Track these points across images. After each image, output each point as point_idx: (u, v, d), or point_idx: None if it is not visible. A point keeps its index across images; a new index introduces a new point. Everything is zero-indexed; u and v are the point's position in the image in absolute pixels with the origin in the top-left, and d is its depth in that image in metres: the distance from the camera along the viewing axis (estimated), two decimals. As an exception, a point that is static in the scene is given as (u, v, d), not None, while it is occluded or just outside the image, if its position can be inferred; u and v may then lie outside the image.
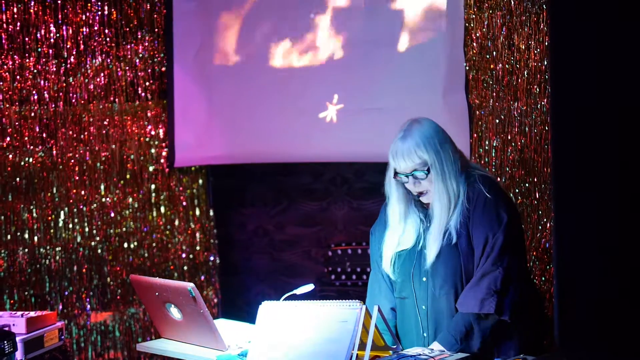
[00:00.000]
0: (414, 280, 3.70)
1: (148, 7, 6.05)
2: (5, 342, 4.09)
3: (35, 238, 5.69)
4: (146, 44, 6.06)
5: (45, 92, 5.71)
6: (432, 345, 3.57)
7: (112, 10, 5.91)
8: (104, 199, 5.92)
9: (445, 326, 3.60)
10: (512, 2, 4.91)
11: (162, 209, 6.15)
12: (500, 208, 3.58)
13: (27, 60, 5.64)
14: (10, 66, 5.59)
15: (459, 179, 3.61)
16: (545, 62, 4.64)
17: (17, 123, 5.62)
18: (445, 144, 3.62)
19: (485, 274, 3.53)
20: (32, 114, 5.68)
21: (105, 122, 5.93)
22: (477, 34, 5.24)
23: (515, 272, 3.55)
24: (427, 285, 3.67)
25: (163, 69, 6.10)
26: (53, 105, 5.74)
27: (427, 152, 3.57)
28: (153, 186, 6.11)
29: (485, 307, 3.49)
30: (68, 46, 5.77)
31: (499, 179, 5.03)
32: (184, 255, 6.20)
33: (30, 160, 5.68)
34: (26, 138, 5.67)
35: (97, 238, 5.90)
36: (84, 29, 5.82)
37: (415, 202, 3.72)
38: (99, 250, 5.91)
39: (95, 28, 5.86)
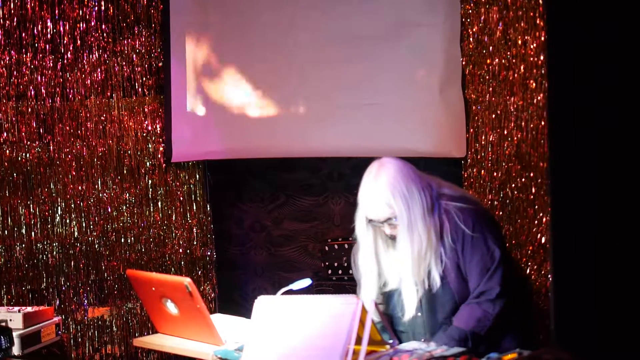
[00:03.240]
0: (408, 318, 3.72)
1: (145, 2, 6.04)
2: (2, 337, 4.11)
3: (33, 233, 5.69)
4: (143, 39, 6.05)
5: (42, 88, 5.71)
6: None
7: (109, 5, 5.90)
8: (101, 194, 5.92)
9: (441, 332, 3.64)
10: (509, -3, 4.92)
11: (159, 204, 6.15)
12: (489, 242, 3.62)
13: (24, 56, 5.64)
14: (7, 61, 5.59)
15: (430, 220, 3.60)
16: (542, 57, 4.64)
17: (14, 118, 5.62)
18: (412, 186, 3.60)
19: (487, 300, 3.59)
20: (29, 110, 5.68)
21: (102, 118, 5.93)
22: (474, 29, 5.25)
23: (511, 296, 3.61)
24: (424, 321, 3.70)
25: (160, 64, 6.10)
26: (50, 101, 5.74)
27: (395, 203, 3.56)
28: (150, 181, 6.11)
29: (478, 327, 3.58)
30: (65, 41, 5.77)
31: (496, 173, 5.03)
32: (181, 251, 6.20)
33: (28, 155, 5.68)
34: (23, 133, 5.66)
35: (95, 233, 5.90)
36: (81, 25, 5.82)
37: (389, 240, 3.72)
38: (96, 246, 5.91)
39: (92, 23, 5.86)
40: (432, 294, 3.64)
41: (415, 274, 3.61)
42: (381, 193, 3.58)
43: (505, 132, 4.98)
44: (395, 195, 3.57)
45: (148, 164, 6.10)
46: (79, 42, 5.81)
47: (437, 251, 3.60)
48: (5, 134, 5.60)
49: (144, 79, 6.07)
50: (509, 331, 3.64)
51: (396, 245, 3.65)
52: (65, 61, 5.77)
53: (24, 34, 5.63)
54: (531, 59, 4.75)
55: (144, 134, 6.09)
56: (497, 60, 5.04)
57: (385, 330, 3.59)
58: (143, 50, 6.05)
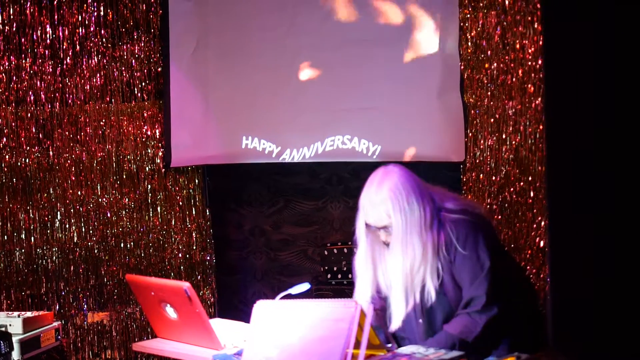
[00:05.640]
0: (409, 322, 3.73)
1: (144, 8, 6.06)
2: (2, 342, 4.10)
3: (32, 238, 5.69)
4: (142, 44, 6.07)
5: (41, 93, 5.72)
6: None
7: (108, 10, 5.92)
8: (100, 199, 5.93)
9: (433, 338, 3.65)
10: (507, 2, 4.92)
11: (159, 209, 6.15)
12: (480, 253, 3.63)
13: (24, 61, 5.65)
14: (7, 67, 5.60)
15: (426, 233, 3.62)
16: (540, 61, 4.65)
17: (13, 124, 5.63)
18: (412, 200, 3.62)
19: (475, 310, 3.60)
20: (29, 115, 5.69)
21: (102, 123, 5.94)
22: (472, 34, 5.25)
23: (501, 304, 3.62)
24: (425, 327, 3.72)
25: (159, 69, 6.11)
26: (49, 106, 5.75)
27: (394, 213, 3.59)
28: (149, 186, 6.12)
29: (465, 333, 3.59)
30: (64, 47, 5.78)
31: (494, 177, 5.04)
32: (180, 255, 6.20)
33: (27, 160, 5.69)
34: (23, 139, 5.67)
35: (94, 238, 5.90)
36: (80, 30, 5.83)
37: (386, 248, 3.74)
38: (96, 251, 5.91)
39: (92, 29, 5.87)
40: (430, 304, 3.66)
41: (405, 286, 3.63)
42: (382, 201, 3.60)
43: (504, 136, 4.98)
44: (395, 207, 3.59)
45: (147, 168, 6.11)
46: (78, 47, 5.82)
47: (432, 266, 3.62)
48: (4, 139, 5.61)
49: (143, 84, 6.08)
50: (507, 335, 3.66)
51: (388, 256, 3.68)
52: (65, 66, 5.79)
53: (23, 40, 5.64)
54: (529, 63, 4.75)
55: (143, 139, 6.10)
56: (495, 64, 5.05)
57: (383, 333, 3.59)
58: (142, 56, 6.06)
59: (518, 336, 3.69)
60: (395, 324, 3.68)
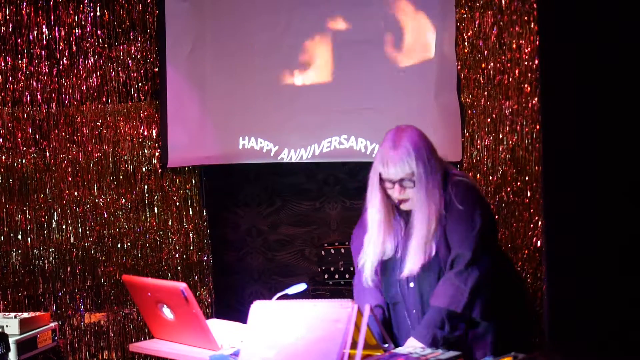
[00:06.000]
0: (401, 286, 3.74)
1: (140, 8, 6.05)
2: (-1, 343, 4.10)
3: (29, 239, 5.69)
4: (139, 44, 6.06)
5: (37, 94, 5.71)
6: (408, 341, 3.59)
7: (105, 11, 5.91)
8: (97, 200, 5.92)
9: (422, 320, 3.65)
10: (503, 2, 4.92)
11: (156, 210, 6.15)
12: (474, 213, 3.63)
13: (20, 62, 5.64)
14: (3, 67, 5.59)
15: (441, 190, 3.64)
16: (536, 61, 4.65)
17: (9, 124, 5.62)
18: (432, 155, 3.65)
19: (458, 272, 3.58)
20: (25, 115, 5.69)
21: (98, 123, 5.94)
22: (469, 34, 5.25)
23: (486, 272, 3.59)
24: (416, 291, 3.71)
25: (156, 69, 6.11)
26: (46, 107, 5.75)
27: (417, 163, 3.59)
28: (146, 187, 6.12)
29: (453, 304, 3.55)
30: (60, 47, 5.78)
31: (491, 177, 5.04)
32: (177, 256, 6.20)
33: (23, 161, 5.68)
34: (19, 139, 5.67)
35: (91, 239, 5.90)
36: (77, 30, 5.82)
37: (395, 209, 3.74)
38: (93, 251, 5.91)
39: (88, 29, 5.87)
40: (424, 264, 3.66)
41: (426, 235, 3.62)
42: (405, 151, 3.59)
43: (501, 136, 4.98)
44: (418, 159, 3.60)
45: (144, 169, 6.11)
46: (74, 47, 5.81)
47: (438, 223, 3.63)
48: (1, 140, 5.60)
49: (140, 84, 6.08)
50: (485, 336, 3.65)
51: (407, 202, 3.66)
52: (61, 67, 5.78)
53: (19, 40, 5.64)
54: (526, 63, 4.75)
55: (140, 140, 6.10)
56: (492, 64, 5.05)
57: (379, 332, 3.60)
58: (139, 56, 6.06)
59: (499, 338, 3.67)
60: (410, 271, 3.65)
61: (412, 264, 3.64)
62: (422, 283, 3.70)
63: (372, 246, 3.75)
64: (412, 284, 3.72)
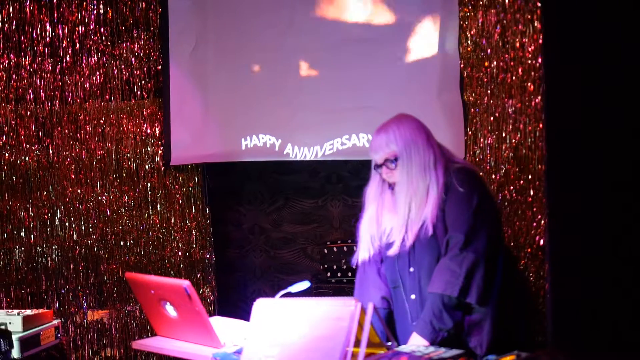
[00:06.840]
0: (402, 270, 3.75)
1: (143, 6, 6.05)
2: (2, 340, 4.10)
3: (32, 236, 5.69)
4: (142, 42, 6.06)
5: (41, 91, 5.72)
6: (412, 338, 3.59)
7: (108, 8, 5.91)
8: (100, 197, 5.93)
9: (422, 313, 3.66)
10: (506, 0, 4.92)
11: (158, 207, 6.15)
12: (472, 195, 3.66)
13: (23, 59, 5.65)
14: (6, 65, 5.60)
15: (430, 172, 3.69)
16: (540, 60, 4.65)
17: (13, 122, 5.63)
18: (418, 138, 3.73)
19: (453, 256, 3.59)
20: (28, 113, 5.69)
21: (101, 121, 5.94)
22: (472, 32, 5.25)
23: (483, 256, 3.59)
24: (415, 275, 3.72)
25: (159, 67, 6.11)
26: (49, 104, 5.75)
27: (397, 144, 3.71)
28: (149, 184, 6.12)
29: (449, 289, 3.56)
30: (64, 45, 5.78)
31: (494, 176, 5.04)
32: (180, 253, 6.20)
33: (27, 158, 5.69)
34: (22, 137, 5.67)
35: (94, 236, 5.91)
36: (80, 28, 5.83)
37: (391, 190, 3.83)
38: (95, 249, 5.91)
39: (91, 27, 5.87)
40: (422, 247, 3.68)
41: (405, 217, 3.70)
42: (386, 131, 3.74)
43: (504, 135, 4.98)
44: (398, 137, 3.72)
45: (147, 167, 6.11)
46: (77, 45, 5.82)
47: (435, 206, 3.66)
48: (4, 138, 5.61)
49: (143, 82, 6.08)
50: (482, 326, 3.65)
51: (395, 188, 3.76)
52: (64, 64, 5.78)
53: (22, 38, 5.64)
54: (529, 61, 4.75)
55: (143, 137, 6.10)
56: (495, 63, 5.05)
57: (383, 331, 3.60)
58: (142, 54, 6.06)
59: (495, 330, 3.67)
60: (393, 250, 3.75)
61: (394, 244, 3.74)
62: (421, 268, 3.72)
63: (367, 220, 3.86)
64: (412, 269, 3.74)
